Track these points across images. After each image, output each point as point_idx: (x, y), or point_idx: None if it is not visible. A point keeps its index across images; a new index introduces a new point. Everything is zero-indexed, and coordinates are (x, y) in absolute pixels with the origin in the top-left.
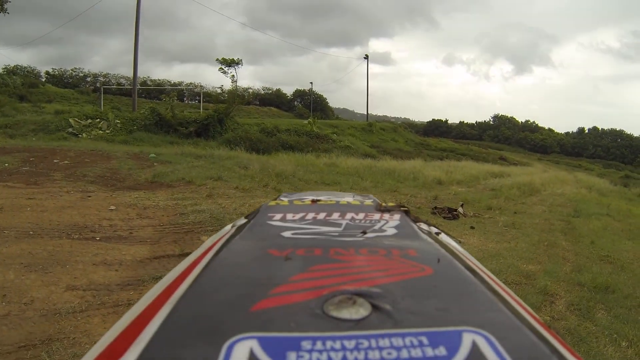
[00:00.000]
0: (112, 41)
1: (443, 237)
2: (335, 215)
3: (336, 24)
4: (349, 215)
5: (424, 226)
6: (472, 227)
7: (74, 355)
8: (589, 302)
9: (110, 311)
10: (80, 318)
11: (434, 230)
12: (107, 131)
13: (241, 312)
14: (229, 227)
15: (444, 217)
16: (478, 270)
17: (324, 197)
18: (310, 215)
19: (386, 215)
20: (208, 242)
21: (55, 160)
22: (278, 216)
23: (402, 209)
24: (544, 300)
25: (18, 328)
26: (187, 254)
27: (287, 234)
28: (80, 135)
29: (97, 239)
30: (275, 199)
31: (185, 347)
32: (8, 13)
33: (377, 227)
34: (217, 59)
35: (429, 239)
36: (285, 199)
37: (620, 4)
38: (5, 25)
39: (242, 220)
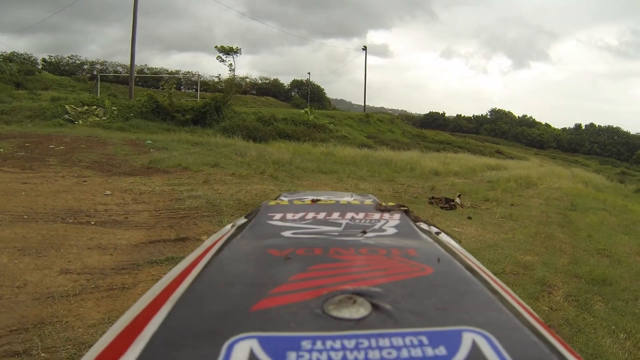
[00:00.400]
0: (110, 29)
1: (443, 236)
2: (335, 215)
3: (335, 15)
4: (348, 215)
5: (424, 226)
6: (469, 218)
7: (67, 339)
8: (586, 293)
9: (104, 295)
10: (73, 302)
11: (434, 229)
12: (104, 118)
13: (241, 312)
14: (229, 226)
15: (441, 207)
16: (478, 270)
17: (324, 197)
18: (310, 215)
19: (386, 215)
20: (208, 241)
21: (51, 146)
22: (278, 216)
23: (402, 208)
24: (541, 290)
25: (10, 312)
26: (183, 239)
27: (287, 233)
28: (76, 122)
29: (92, 223)
30: (275, 199)
31: (185, 347)
32: None
33: (377, 226)
34: (216, 47)
35: (429, 239)
36: (285, 199)
37: (619, 3)
38: (2, 11)
39: (242, 220)
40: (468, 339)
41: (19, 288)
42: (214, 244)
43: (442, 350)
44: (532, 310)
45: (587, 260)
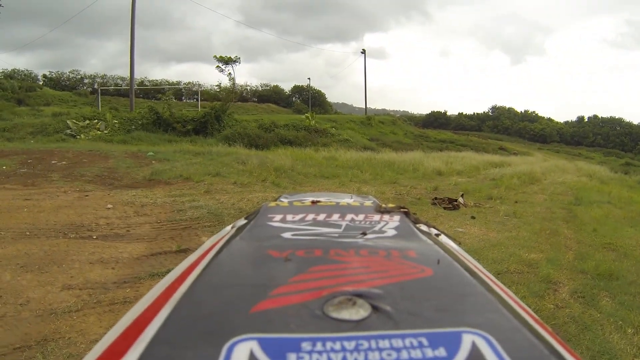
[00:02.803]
0: (109, 43)
1: (443, 238)
2: (335, 217)
3: (331, 20)
4: (348, 217)
5: (423, 227)
6: (473, 217)
7: (69, 355)
8: (592, 289)
9: (106, 309)
10: (76, 317)
11: (433, 231)
12: (105, 131)
13: (241, 313)
14: (229, 228)
15: (445, 208)
16: (477, 272)
17: (324, 198)
18: (310, 217)
19: (386, 217)
20: (208, 242)
21: (53, 162)
22: (278, 217)
23: (402, 210)
24: (547, 288)
25: (13, 329)
26: (185, 250)
27: (287, 235)
28: (78, 137)
29: (94, 237)
30: (275, 200)
31: (186, 348)
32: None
33: (377, 228)
34: (215, 56)
35: (429, 241)
36: (285, 200)
37: None
38: (2, 29)
39: (242, 221)
40: (468, 340)
41: (22, 305)
42: (214, 245)
43: (442, 352)
44: (531, 311)
45: (593, 255)
